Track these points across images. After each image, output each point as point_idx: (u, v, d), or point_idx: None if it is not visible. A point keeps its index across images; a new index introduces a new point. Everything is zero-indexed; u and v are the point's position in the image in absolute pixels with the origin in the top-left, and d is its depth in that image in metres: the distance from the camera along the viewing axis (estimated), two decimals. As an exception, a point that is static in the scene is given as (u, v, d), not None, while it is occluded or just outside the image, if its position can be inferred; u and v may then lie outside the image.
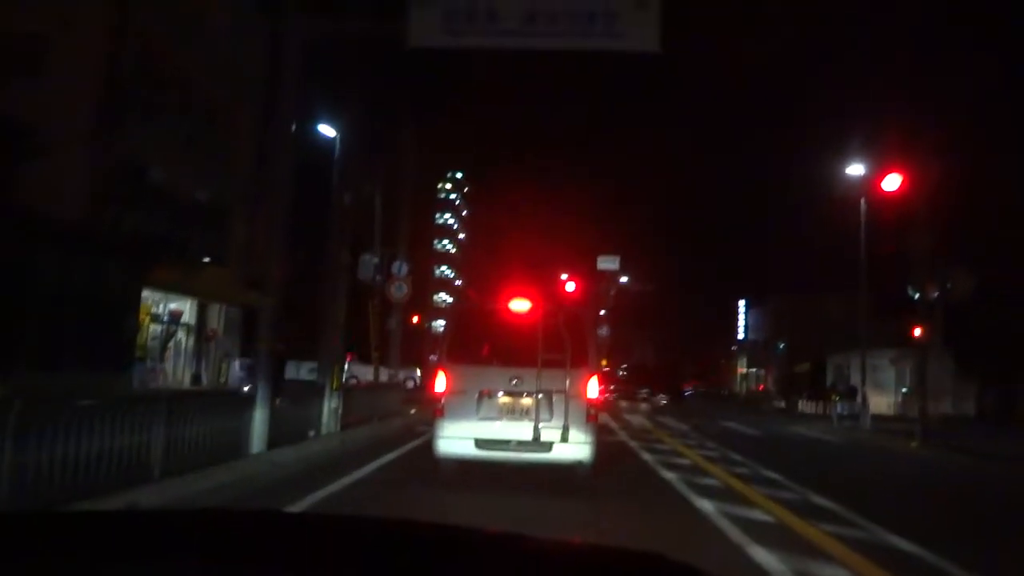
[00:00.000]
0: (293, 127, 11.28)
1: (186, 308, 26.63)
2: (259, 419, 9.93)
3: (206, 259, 26.46)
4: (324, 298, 14.25)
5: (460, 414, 8.52)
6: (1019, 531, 8.08)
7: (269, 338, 10.72)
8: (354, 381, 23.21)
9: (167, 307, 25.69)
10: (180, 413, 8.03)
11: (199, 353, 27.25)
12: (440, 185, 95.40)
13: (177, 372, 26.18)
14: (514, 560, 1.36)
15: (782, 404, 44.41)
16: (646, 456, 12.69)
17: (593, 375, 8.72)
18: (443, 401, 8.61)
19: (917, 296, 21.49)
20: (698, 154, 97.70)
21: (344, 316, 14.22)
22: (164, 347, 25.49)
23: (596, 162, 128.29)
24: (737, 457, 13.19)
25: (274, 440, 10.43)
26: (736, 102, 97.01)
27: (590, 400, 8.57)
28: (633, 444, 14.76)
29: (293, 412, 12.09)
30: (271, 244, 11.04)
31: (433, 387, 9.01)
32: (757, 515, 7.62)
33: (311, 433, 12.74)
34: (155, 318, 24.88)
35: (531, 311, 8.73)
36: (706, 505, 7.94)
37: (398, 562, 1.29)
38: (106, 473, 6.65)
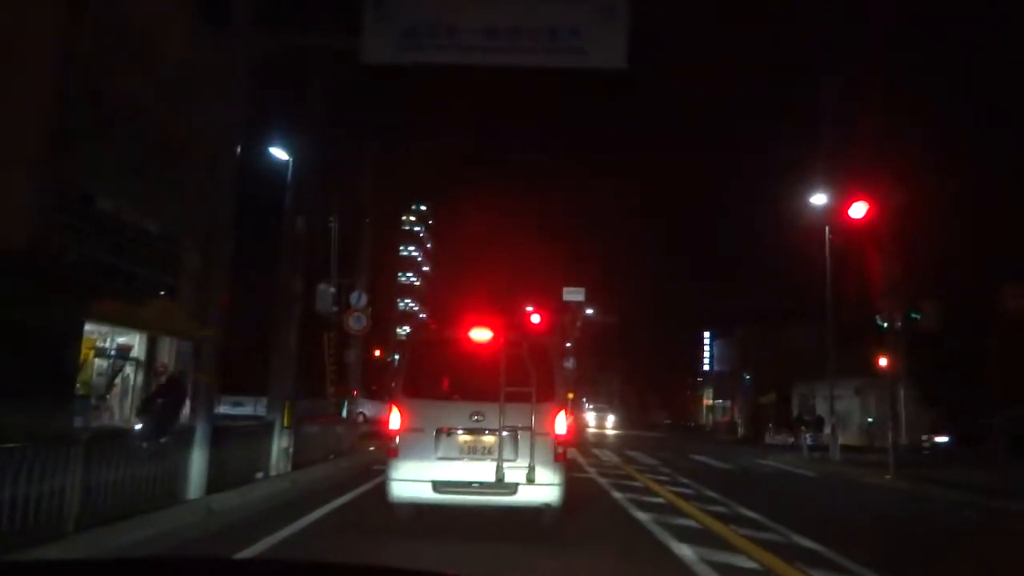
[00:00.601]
0: (238, 149, 10.59)
1: (135, 342, 25.47)
2: (197, 461, 9.10)
3: (162, 292, 25.39)
4: (275, 329, 13.44)
5: (416, 454, 7.79)
6: (1007, 569, 7.67)
7: (210, 370, 9.92)
8: (360, 417, 22.15)
9: (115, 341, 24.52)
10: (102, 455, 7.19)
11: (148, 389, 26.04)
12: (404, 217, 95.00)
13: (124, 410, 24.93)
14: None
15: (790, 439, 40.65)
16: (617, 494, 12.03)
17: (561, 409, 8.05)
18: (397, 439, 7.88)
19: (885, 326, 21.19)
20: (664, 185, 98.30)
21: (296, 348, 13.41)
22: (110, 383, 24.26)
23: (562, 194, 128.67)
24: (711, 494, 12.59)
25: (217, 484, 9.64)
26: (703, 130, 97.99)
27: (558, 437, 7.89)
28: (603, 481, 14.10)
29: (240, 452, 11.27)
30: (213, 272, 10.26)
31: (387, 424, 8.26)
32: (741, 561, 7.00)
33: (259, 475, 11.90)
34: (101, 352, 23.69)
35: (493, 340, 8.06)
36: (685, 551, 7.29)
37: None
38: (7, 527, 5.82)
